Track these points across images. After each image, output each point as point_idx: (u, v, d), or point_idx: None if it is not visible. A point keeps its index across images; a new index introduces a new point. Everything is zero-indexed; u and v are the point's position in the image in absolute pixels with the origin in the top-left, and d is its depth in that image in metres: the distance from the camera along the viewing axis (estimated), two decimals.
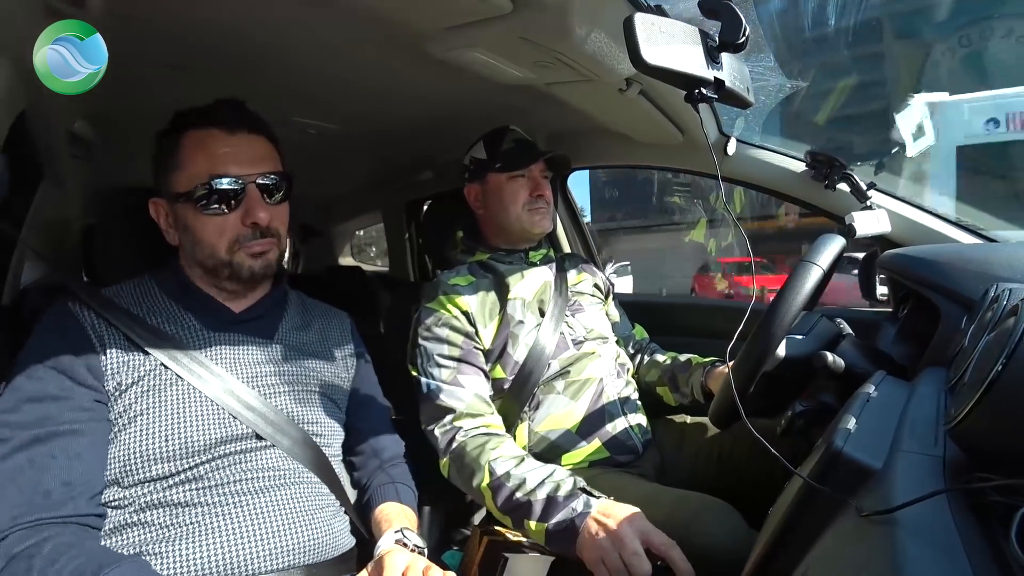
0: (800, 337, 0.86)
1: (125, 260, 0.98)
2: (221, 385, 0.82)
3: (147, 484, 0.76)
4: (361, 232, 3.25)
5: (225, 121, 0.85)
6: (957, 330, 0.80)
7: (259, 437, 0.83)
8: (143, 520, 0.75)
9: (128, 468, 0.76)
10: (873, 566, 0.41)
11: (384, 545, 0.82)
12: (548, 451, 1.15)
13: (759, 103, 1.05)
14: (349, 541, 0.90)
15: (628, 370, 1.31)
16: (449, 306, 1.16)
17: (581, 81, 1.13)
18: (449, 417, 1.07)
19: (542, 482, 0.92)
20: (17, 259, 0.99)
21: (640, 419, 1.23)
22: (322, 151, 1.75)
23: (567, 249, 1.89)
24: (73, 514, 0.70)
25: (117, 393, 0.77)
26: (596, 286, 1.38)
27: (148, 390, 0.79)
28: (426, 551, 0.84)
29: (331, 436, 0.93)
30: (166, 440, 0.77)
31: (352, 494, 0.97)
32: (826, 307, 1.39)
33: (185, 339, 0.84)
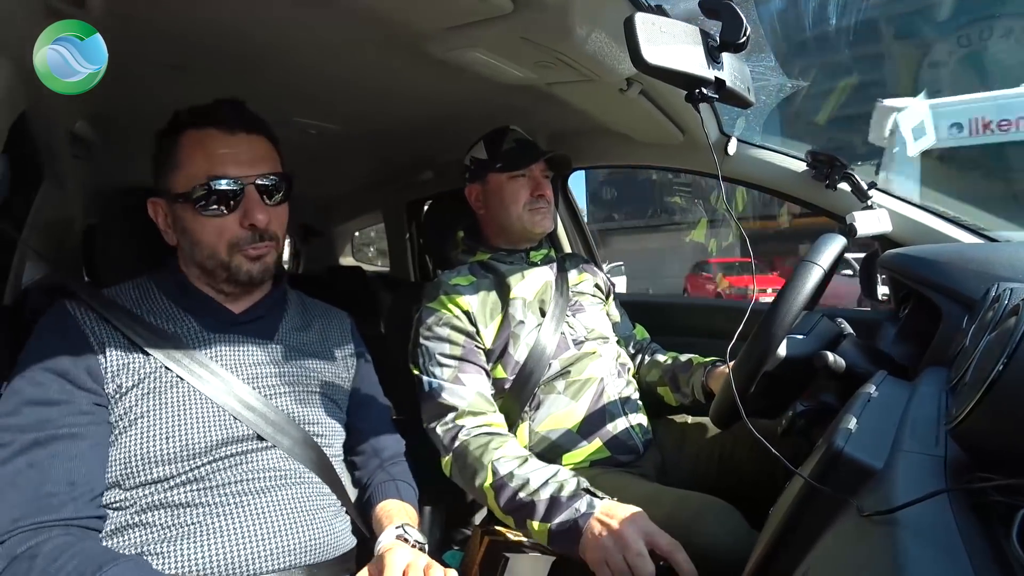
0: (801, 337, 0.86)
1: (126, 260, 0.98)
2: (223, 386, 0.82)
3: (149, 486, 0.76)
4: (358, 233, 3.24)
5: (224, 121, 0.85)
6: (958, 330, 0.80)
7: (260, 438, 0.83)
8: (144, 521, 0.75)
9: (129, 470, 0.76)
10: (874, 566, 0.41)
11: (385, 541, 0.82)
12: (549, 451, 1.15)
13: (760, 103, 1.05)
14: (350, 541, 0.90)
15: (629, 370, 1.31)
16: (450, 306, 1.16)
17: (582, 81, 1.13)
18: (451, 415, 1.07)
19: (545, 482, 0.92)
20: (18, 259, 0.99)
21: (641, 419, 1.23)
22: (322, 151, 1.76)
23: (568, 249, 1.89)
24: (73, 516, 0.69)
25: (117, 396, 0.77)
26: (597, 286, 1.38)
27: (149, 392, 0.78)
28: (427, 547, 0.84)
29: (332, 436, 0.93)
30: (168, 442, 0.77)
31: (353, 494, 0.97)
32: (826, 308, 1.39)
33: (185, 340, 0.84)
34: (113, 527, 0.75)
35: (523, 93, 1.22)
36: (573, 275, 1.34)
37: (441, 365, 1.11)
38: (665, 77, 0.74)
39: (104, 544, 0.74)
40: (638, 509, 0.84)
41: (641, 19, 0.69)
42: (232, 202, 0.84)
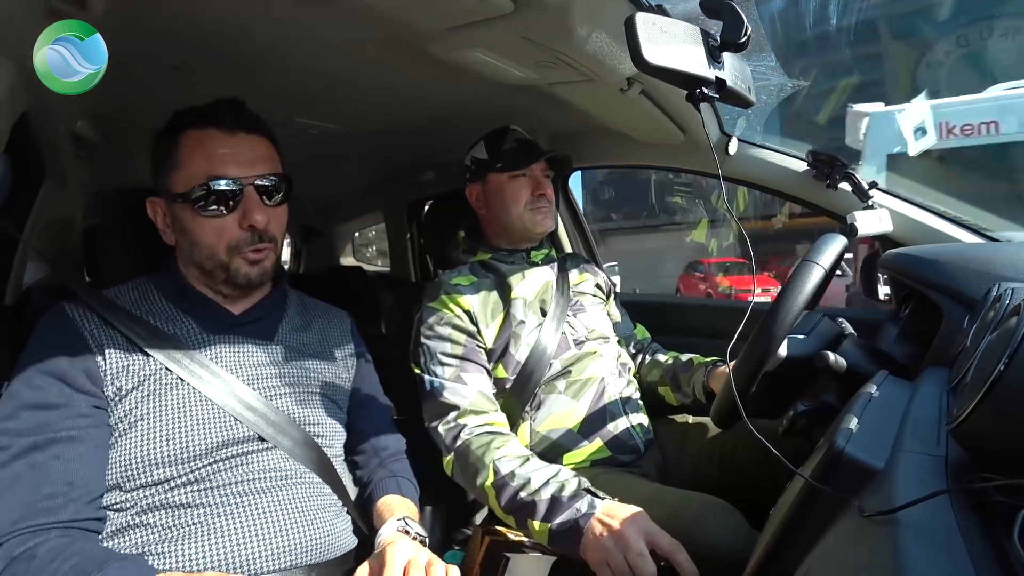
0: (802, 337, 0.86)
1: (127, 261, 0.98)
2: (224, 387, 0.82)
3: (149, 487, 0.76)
4: (357, 233, 3.25)
5: (224, 121, 0.84)
6: (959, 330, 0.79)
7: (261, 439, 0.83)
8: (145, 522, 0.75)
9: (130, 472, 0.76)
10: (875, 566, 0.41)
11: (385, 533, 0.82)
12: (550, 451, 1.15)
13: (760, 102, 1.05)
14: (351, 541, 0.90)
15: (629, 370, 1.31)
16: (451, 305, 1.16)
17: (582, 81, 1.13)
18: (453, 414, 1.07)
19: (546, 482, 0.92)
20: (19, 259, 0.99)
21: (642, 419, 1.23)
22: (323, 151, 1.76)
23: (568, 249, 1.89)
24: (72, 519, 0.70)
25: (117, 398, 0.77)
26: (598, 286, 1.38)
27: (149, 394, 0.78)
28: (427, 540, 0.84)
29: (332, 436, 0.93)
30: (169, 444, 0.77)
31: (354, 493, 0.97)
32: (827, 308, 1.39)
33: (185, 342, 0.84)
34: (114, 528, 0.75)
35: (524, 93, 1.22)
36: (574, 275, 1.34)
37: (443, 364, 1.12)
38: (666, 77, 0.74)
39: (105, 545, 0.74)
40: (639, 509, 0.84)
41: (642, 19, 0.69)
42: (231, 202, 0.84)
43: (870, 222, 1.23)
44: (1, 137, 0.80)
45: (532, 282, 1.24)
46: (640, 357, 1.38)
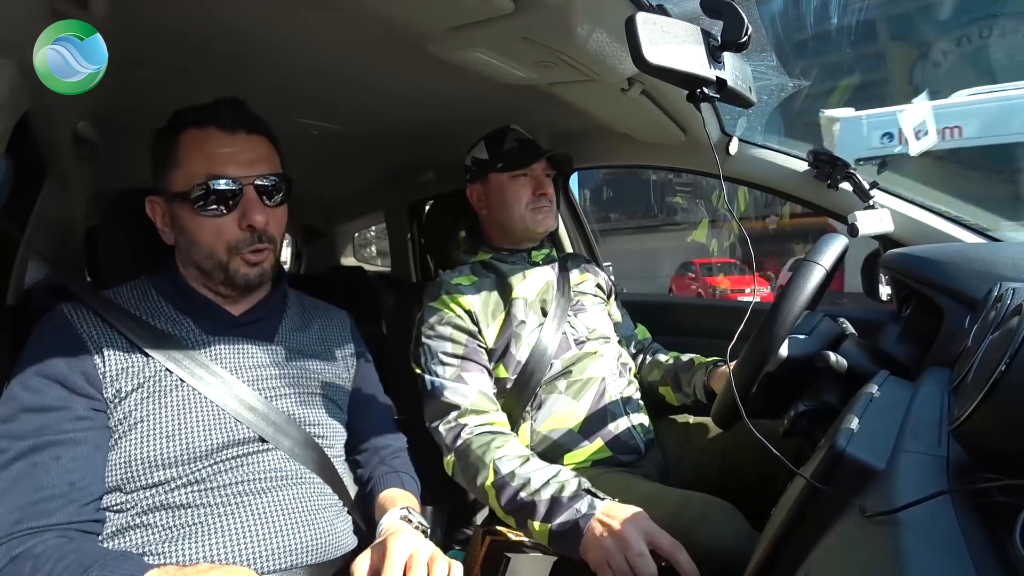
0: (803, 337, 0.86)
1: (128, 262, 0.98)
2: (224, 388, 0.82)
3: (150, 488, 0.76)
4: (356, 233, 3.25)
5: (225, 120, 0.84)
6: (960, 330, 0.79)
7: (262, 440, 0.83)
8: (146, 522, 0.75)
9: (131, 474, 0.75)
10: (876, 567, 0.41)
11: (388, 522, 0.81)
12: (551, 451, 1.15)
13: (761, 102, 1.05)
14: (352, 541, 0.89)
15: (630, 370, 1.31)
16: (452, 305, 1.16)
17: (583, 81, 1.13)
18: (454, 414, 1.07)
19: (547, 482, 0.92)
20: (20, 259, 0.99)
21: (642, 419, 1.23)
22: (324, 151, 1.76)
23: (569, 249, 1.89)
24: (72, 520, 0.70)
25: (116, 400, 0.77)
26: (598, 286, 1.38)
27: (149, 396, 0.78)
28: (429, 531, 0.84)
29: (333, 437, 0.93)
30: (170, 445, 0.77)
31: (355, 493, 0.97)
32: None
33: (186, 342, 0.84)
34: (114, 528, 0.75)
35: (524, 93, 1.22)
36: (575, 275, 1.34)
37: (443, 364, 1.12)
38: (666, 77, 0.74)
39: (105, 545, 0.74)
40: (639, 510, 0.84)
41: (642, 19, 0.69)
42: (231, 202, 0.84)
43: (871, 222, 1.22)
44: (2, 137, 0.80)
45: (533, 282, 1.24)
46: (641, 357, 1.38)
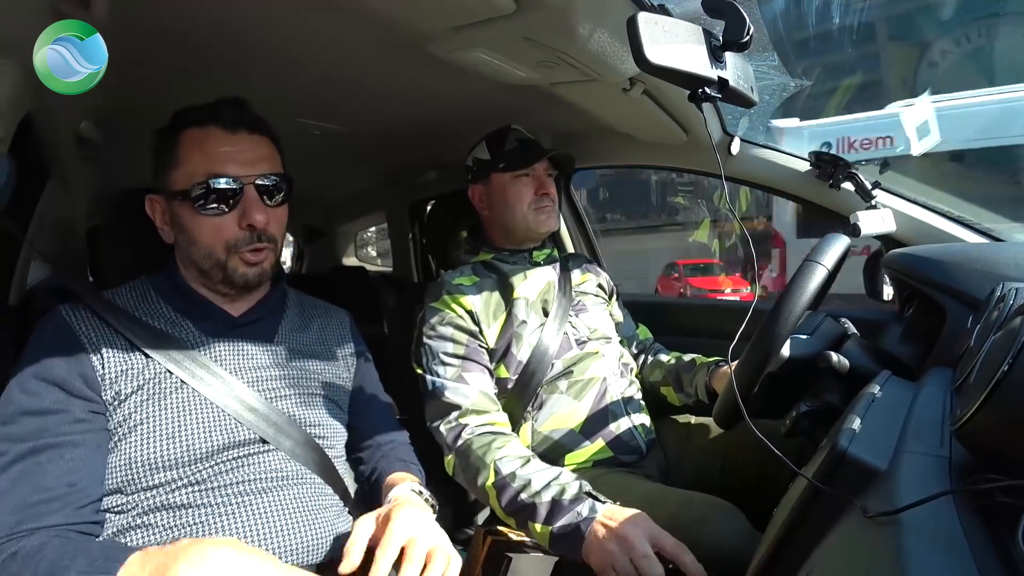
0: (804, 337, 0.86)
1: (131, 262, 0.98)
2: (225, 389, 0.82)
3: (151, 489, 0.76)
4: (358, 234, 3.26)
5: (226, 120, 0.84)
6: (963, 330, 0.79)
7: (263, 441, 0.83)
8: (146, 523, 0.75)
9: (131, 476, 0.75)
10: (878, 567, 0.41)
11: (397, 492, 0.81)
12: (552, 451, 1.15)
13: (763, 102, 1.05)
14: None
15: (631, 370, 1.31)
16: (453, 305, 1.16)
17: (585, 81, 1.13)
18: (455, 414, 1.07)
19: (547, 484, 0.92)
20: (23, 259, 0.99)
21: (644, 419, 1.23)
22: (326, 152, 1.76)
23: (571, 249, 1.89)
24: (71, 521, 0.69)
25: (116, 403, 0.77)
26: (600, 286, 1.38)
27: (149, 398, 0.78)
28: (438, 507, 0.84)
29: (333, 437, 0.93)
30: (170, 447, 0.77)
31: (356, 492, 0.97)
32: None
33: (186, 343, 0.84)
34: (115, 529, 0.75)
35: (526, 93, 1.22)
36: (576, 275, 1.34)
37: (444, 364, 1.12)
38: (668, 77, 0.74)
39: None
40: (641, 512, 0.84)
41: (644, 19, 0.69)
42: (231, 201, 0.83)
43: (873, 222, 1.22)
44: (5, 138, 0.80)
45: (534, 282, 1.24)
46: (642, 357, 1.38)
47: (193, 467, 0.78)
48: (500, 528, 1.00)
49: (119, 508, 0.75)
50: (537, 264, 1.29)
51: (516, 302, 1.19)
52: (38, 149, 1.00)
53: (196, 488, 0.78)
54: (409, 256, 2.37)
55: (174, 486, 0.77)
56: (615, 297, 1.43)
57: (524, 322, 1.18)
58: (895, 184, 1.32)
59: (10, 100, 0.77)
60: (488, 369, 1.16)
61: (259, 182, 0.85)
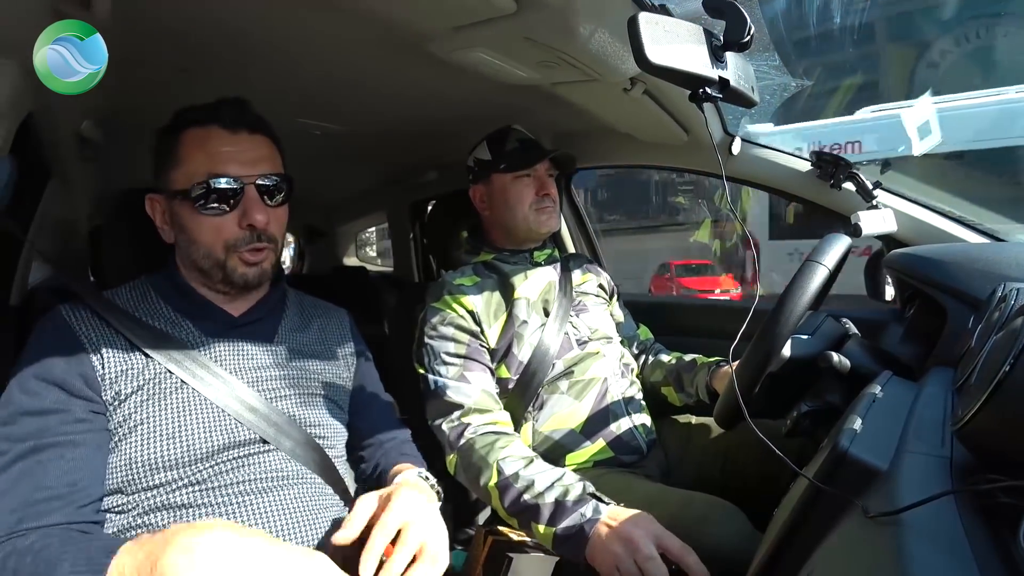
0: (805, 337, 0.86)
1: (132, 262, 0.98)
2: (226, 390, 0.82)
3: (152, 490, 0.76)
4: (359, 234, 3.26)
5: (227, 120, 0.84)
6: (964, 330, 0.79)
7: (264, 441, 0.83)
8: (147, 523, 0.75)
9: (132, 476, 0.75)
10: (879, 568, 0.40)
11: (403, 477, 0.82)
12: (552, 451, 1.15)
13: (764, 102, 1.05)
14: None
15: (632, 370, 1.31)
16: (455, 305, 1.16)
17: (585, 81, 1.13)
18: (457, 413, 1.07)
19: (551, 485, 0.92)
20: (24, 260, 0.99)
21: (644, 419, 1.23)
22: (326, 152, 1.76)
23: (572, 249, 1.89)
24: (69, 521, 0.69)
25: (116, 403, 0.77)
26: (601, 286, 1.38)
27: (150, 398, 0.78)
28: (442, 494, 0.84)
29: (334, 437, 0.93)
30: (171, 447, 0.77)
31: (356, 492, 0.97)
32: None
33: (186, 343, 0.84)
34: (115, 529, 0.75)
35: (526, 93, 1.22)
36: (577, 275, 1.33)
37: (446, 363, 1.12)
38: (669, 77, 0.74)
39: None
40: (645, 513, 0.84)
41: (645, 19, 0.69)
42: (232, 201, 0.83)
43: (874, 222, 1.22)
44: (6, 138, 0.80)
45: (535, 282, 1.24)
46: (643, 357, 1.38)
47: (193, 467, 0.78)
48: (501, 528, 1.00)
49: (120, 508, 0.75)
50: (538, 264, 1.29)
51: (517, 302, 1.19)
52: (39, 149, 1.00)
53: (197, 488, 0.78)
54: (410, 256, 2.37)
55: (174, 486, 0.77)
56: (616, 297, 1.43)
57: (525, 322, 1.18)
58: (896, 184, 1.32)
59: (11, 100, 0.77)
60: (489, 369, 1.16)
61: (260, 182, 0.85)
